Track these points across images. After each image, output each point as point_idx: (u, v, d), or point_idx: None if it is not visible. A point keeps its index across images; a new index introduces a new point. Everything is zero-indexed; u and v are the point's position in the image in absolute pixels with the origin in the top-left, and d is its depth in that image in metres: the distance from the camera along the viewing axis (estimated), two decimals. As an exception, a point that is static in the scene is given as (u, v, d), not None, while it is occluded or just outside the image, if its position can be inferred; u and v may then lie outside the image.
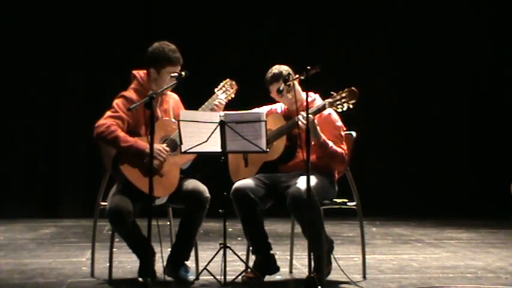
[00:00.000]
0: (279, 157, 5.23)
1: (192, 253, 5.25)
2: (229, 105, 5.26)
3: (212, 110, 5.17)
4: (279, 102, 5.39)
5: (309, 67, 4.87)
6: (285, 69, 5.25)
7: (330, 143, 5.11)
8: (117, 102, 5.15)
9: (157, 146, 4.98)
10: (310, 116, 4.95)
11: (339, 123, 5.25)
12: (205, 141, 4.94)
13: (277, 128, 5.21)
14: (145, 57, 5.23)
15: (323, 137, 5.08)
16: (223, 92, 5.29)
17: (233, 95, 5.32)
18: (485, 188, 9.60)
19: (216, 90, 5.29)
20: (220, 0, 9.54)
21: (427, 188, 9.65)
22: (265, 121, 4.95)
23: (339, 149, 5.16)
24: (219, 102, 5.21)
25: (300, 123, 4.96)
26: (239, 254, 5.22)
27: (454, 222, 8.70)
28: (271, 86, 5.26)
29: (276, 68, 5.27)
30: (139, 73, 5.26)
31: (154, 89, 5.12)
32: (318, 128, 5.04)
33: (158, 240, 4.89)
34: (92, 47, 9.34)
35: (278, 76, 5.20)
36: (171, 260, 5.16)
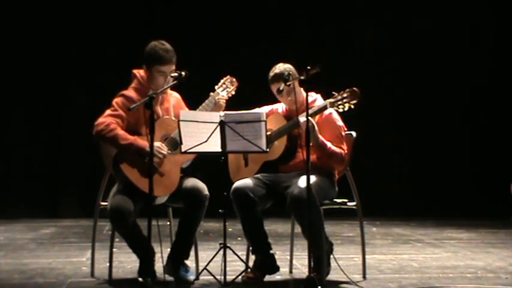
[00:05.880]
0: (279, 157, 5.23)
1: (192, 253, 5.26)
2: (230, 105, 5.26)
3: (215, 105, 5.17)
4: (280, 101, 5.39)
5: (309, 67, 4.86)
6: (287, 68, 5.22)
7: (328, 144, 5.10)
8: (117, 101, 5.16)
9: (156, 143, 4.97)
10: (310, 117, 4.93)
11: (340, 123, 5.23)
12: (205, 141, 4.93)
13: (278, 128, 5.21)
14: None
15: (321, 138, 5.06)
16: (224, 89, 5.28)
17: (233, 92, 5.31)
18: (485, 188, 9.59)
19: (216, 87, 5.29)
20: (220, -1, 9.58)
21: (427, 188, 9.64)
22: (265, 121, 4.94)
23: (337, 149, 5.14)
24: (222, 97, 5.21)
25: (300, 123, 4.95)
26: (239, 254, 5.21)
27: (454, 222, 8.69)
28: (273, 85, 5.24)
29: (277, 68, 5.24)
30: (140, 72, 5.26)
31: (153, 88, 5.12)
32: (317, 129, 5.02)
33: (158, 240, 4.89)
34: (92, 47, 9.33)
35: (279, 76, 5.16)
36: (171, 259, 5.16)
